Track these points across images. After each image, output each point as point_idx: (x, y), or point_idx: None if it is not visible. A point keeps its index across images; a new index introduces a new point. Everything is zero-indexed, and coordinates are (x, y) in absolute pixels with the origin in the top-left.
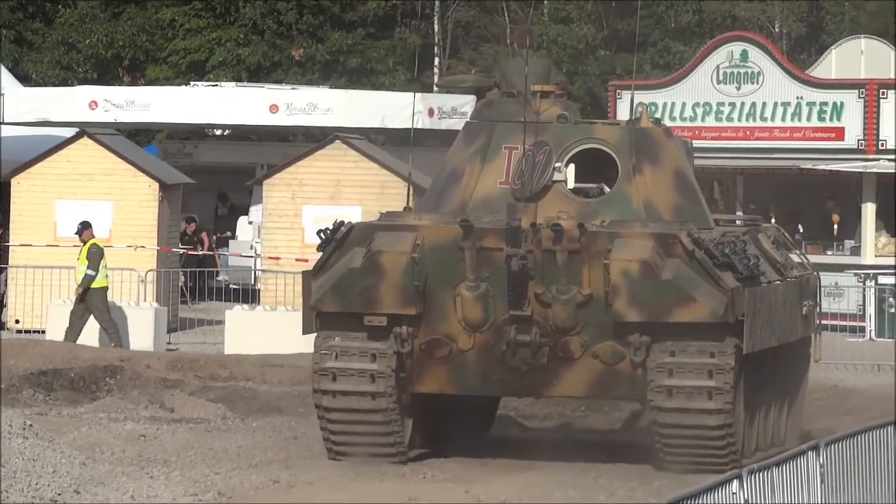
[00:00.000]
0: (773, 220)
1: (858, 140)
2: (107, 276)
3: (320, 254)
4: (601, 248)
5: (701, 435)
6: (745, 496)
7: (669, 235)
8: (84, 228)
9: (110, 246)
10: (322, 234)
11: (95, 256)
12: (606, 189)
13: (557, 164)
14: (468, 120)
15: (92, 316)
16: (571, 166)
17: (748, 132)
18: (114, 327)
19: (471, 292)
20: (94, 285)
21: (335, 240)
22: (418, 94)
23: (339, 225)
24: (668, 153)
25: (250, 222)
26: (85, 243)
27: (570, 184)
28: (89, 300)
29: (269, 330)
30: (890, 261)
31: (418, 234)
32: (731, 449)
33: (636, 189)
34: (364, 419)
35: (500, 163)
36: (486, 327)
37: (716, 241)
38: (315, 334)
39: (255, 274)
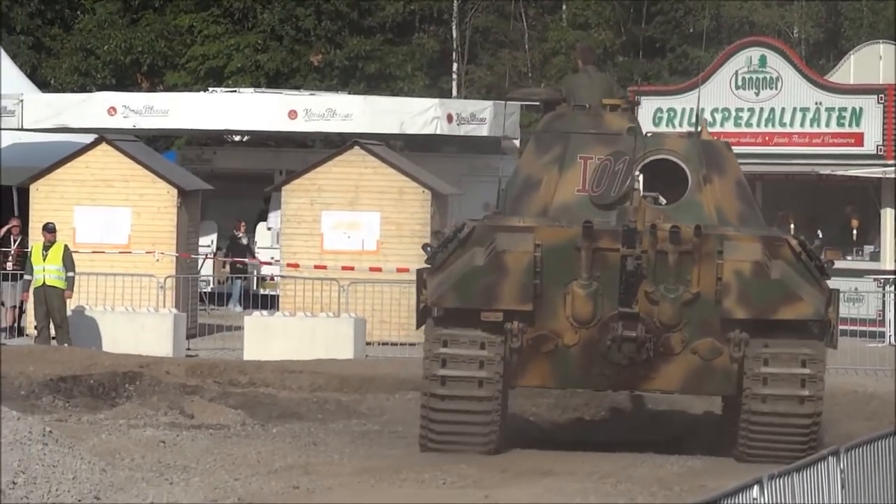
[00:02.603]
0: (792, 226)
1: (877, 145)
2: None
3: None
4: (712, 249)
5: (791, 423)
6: (766, 501)
7: (776, 238)
8: (55, 230)
9: (129, 252)
10: (428, 249)
11: (72, 257)
12: (662, 199)
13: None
14: (539, 131)
15: (49, 314)
16: (640, 175)
17: (767, 138)
18: (68, 325)
19: (583, 290)
20: (57, 284)
21: (458, 240)
22: (436, 100)
23: (461, 226)
24: (730, 164)
25: (269, 228)
26: (51, 244)
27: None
28: (52, 299)
29: (288, 336)
30: None
31: (537, 234)
32: (814, 436)
33: (706, 197)
34: (469, 408)
35: (576, 171)
36: (593, 323)
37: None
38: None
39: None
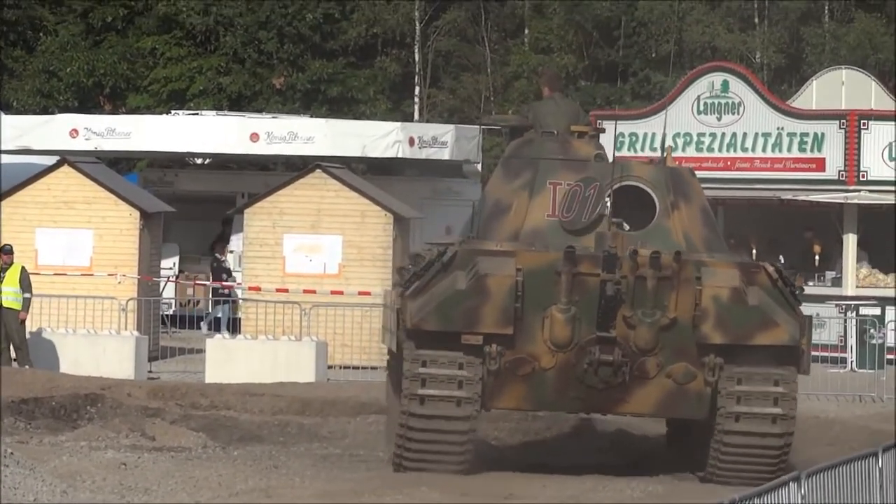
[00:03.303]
0: (753, 251)
1: (839, 171)
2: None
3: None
4: (690, 275)
5: (763, 443)
6: None
7: (753, 265)
8: (12, 251)
9: (91, 274)
10: (404, 273)
11: (29, 279)
12: (626, 225)
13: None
14: (507, 157)
15: (7, 336)
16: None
17: (729, 163)
18: (27, 346)
19: (562, 314)
20: (14, 306)
21: (442, 263)
22: (398, 124)
23: (443, 251)
24: (695, 191)
25: (231, 251)
26: (8, 266)
27: None
28: (10, 321)
29: (249, 359)
30: (871, 292)
31: (518, 259)
32: (784, 457)
33: (674, 224)
34: (446, 427)
35: (546, 197)
36: (570, 347)
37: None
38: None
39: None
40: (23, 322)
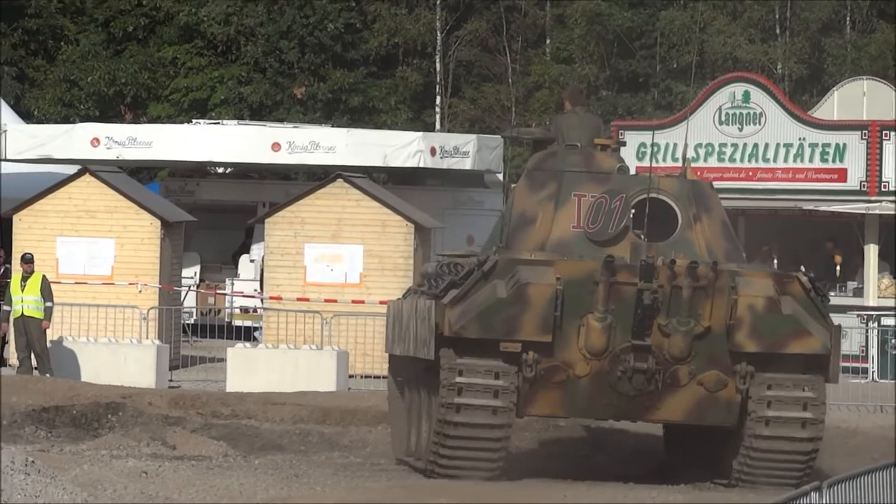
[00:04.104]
0: (775, 262)
1: (861, 181)
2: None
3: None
4: (725, 284)
5: (792, 448)
6: None
7: (786, 275)
8: (32, 260)
9: (112, 283)
10: (439, 281)
11: (50, 287)
12: (642, 237)
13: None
14: (531, 169)
15: (29, 344)
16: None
17: (750, 173)
18: (48, 355)
19: (599, 322)
20: (36, 315)
21: (482, 272)
22: (420, 133)
23: (484, 260)
24: (715, 203)
25: (251, 260)
26: (30, 275)
27: None
28: (31, 329)
29: (271, 368)
30: (892, 302)
31: (557, 268)
32: (811, 463)
33: (696, 235)
34: (481, 435)
35: (571, 208)
36: (605, 355)
37: None
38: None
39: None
40: (45, 331)
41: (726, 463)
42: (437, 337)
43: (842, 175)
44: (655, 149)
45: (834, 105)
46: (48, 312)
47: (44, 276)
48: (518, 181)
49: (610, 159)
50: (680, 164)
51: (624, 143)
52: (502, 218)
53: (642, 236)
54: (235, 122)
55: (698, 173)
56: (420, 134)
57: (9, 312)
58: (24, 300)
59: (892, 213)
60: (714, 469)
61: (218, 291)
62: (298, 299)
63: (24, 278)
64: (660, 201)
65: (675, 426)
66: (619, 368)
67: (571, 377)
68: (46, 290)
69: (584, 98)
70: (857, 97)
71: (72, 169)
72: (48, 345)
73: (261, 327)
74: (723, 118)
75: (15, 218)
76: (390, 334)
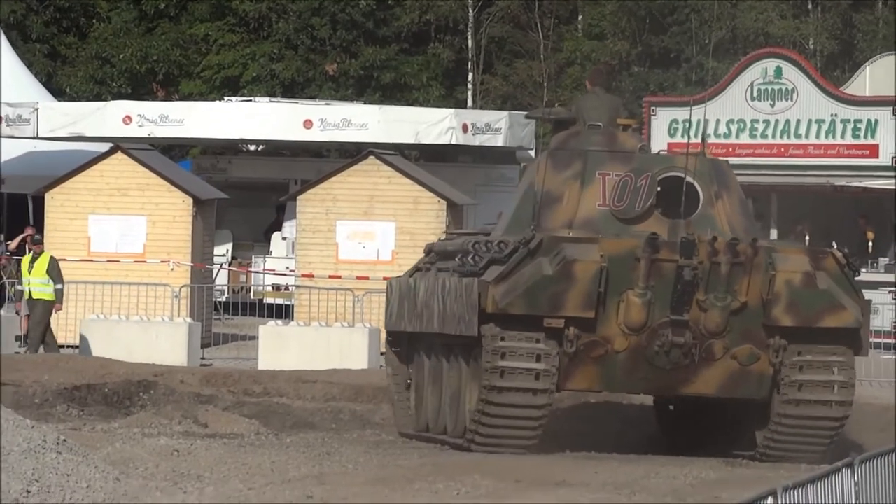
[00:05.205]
0: (807, 238)
1: (892, 157)
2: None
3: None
4: (762, 261)
5: (822, 414)
6: None
7: (821, 251)
8: (41, 242)
9: (144, 261)
10: (476, 259)
11: (58, 268)
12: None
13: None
14: (553, 149)
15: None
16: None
17: (782, 149)
18: (41, 341)
19: (639, 298)
20: (42, 297)
21: (528, 249)
22: (452, 110)
23: (529, 238)
24: (733, 181)
25: (284, 238)
26: (38, 256)
27: None
28: (35, 309)
29: (302, 346)
30: None
31: (601, 245)
32: (839, 431)
33: (718, 212)
34: (524, 402)
35: (596, 187)
36: (643, 330)
37: None
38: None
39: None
40: (50, 313)
41: (748, 436)
42: (480, 313)
43: (873, 151)
44: (686, 125)
45: (866, 81)
46: (59, 294)
47: (52, 257)
48: (536, 161)
49: (632, 139)
50: (717, 140)
51: (643, 123)
52: (525, 196)
53: (666, 214)
54: (267, 99)
55: (730, 149)
56: (452, 111)
57: (22, 293)
58: (31, 282)
59: None
60: (702, 443)
61: (250, 269)
62: (330, 276)
63: (33, 260)
64: (677, 179)
65: (667, 400)
66: (657, 343)
67: (609, 352)
68: (54, 272)
69: (605, 79)
70: (888, 73)
71: (104, 147)
72: (52, 326)
73: (293, 305)
74: (755, 94)
75: (47, 196)
76: (395, 311)
